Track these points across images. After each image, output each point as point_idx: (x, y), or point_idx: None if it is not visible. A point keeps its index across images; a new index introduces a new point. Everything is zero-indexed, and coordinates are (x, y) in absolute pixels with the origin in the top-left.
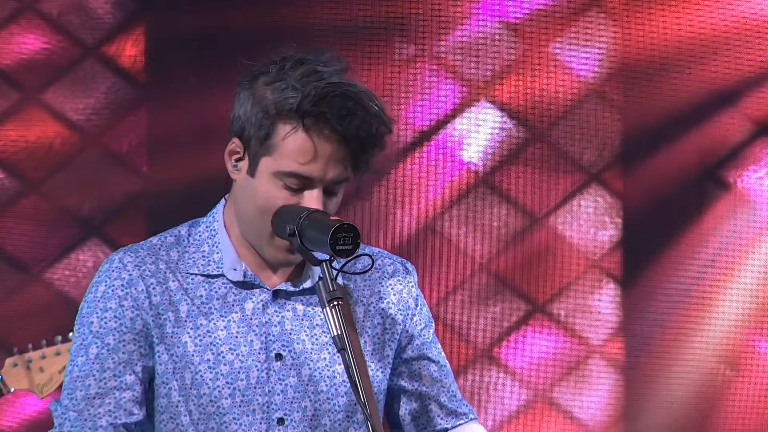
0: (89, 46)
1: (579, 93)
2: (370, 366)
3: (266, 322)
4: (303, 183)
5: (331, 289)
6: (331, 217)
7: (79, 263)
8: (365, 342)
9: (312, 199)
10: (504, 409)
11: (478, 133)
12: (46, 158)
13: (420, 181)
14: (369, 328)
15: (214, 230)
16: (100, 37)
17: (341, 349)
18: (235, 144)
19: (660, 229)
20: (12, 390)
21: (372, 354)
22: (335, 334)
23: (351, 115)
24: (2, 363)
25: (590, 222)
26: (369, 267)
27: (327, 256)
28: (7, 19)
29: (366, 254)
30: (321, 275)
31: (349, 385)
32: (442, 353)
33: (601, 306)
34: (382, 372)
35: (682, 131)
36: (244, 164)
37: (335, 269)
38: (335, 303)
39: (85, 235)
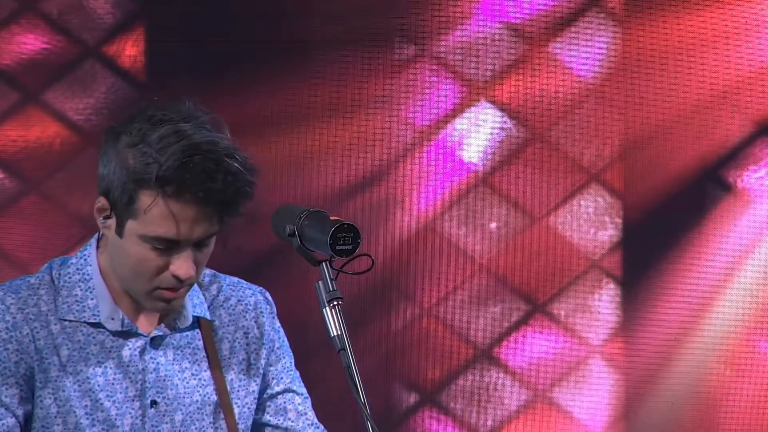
0: (89, 46)
1: (579, 93)
2: (236, 402)
3: (143, 369)
4: (170, 244)
5: (331, 289)
6: (331, 217)
7: None
8: (232, 379)
9: (181, 261)
10: (504, 409)
11: (478, 133)
12: (46, 158)
13: (420, 181)
14: (235, 364)
15: (88, 274)
16: (100, 37)
17: (341, 349)
18: (102, 203)
19: (660, 229)
20: None
21: (238, 390)
22: (335, 334)
23: (211, 179)
24: None
25: (590, 222)
26: (369, 267)
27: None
28: (7, 19)
29: (366, 254)
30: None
31: (215, 425)
32: (302, 382)
33: (601, 306)
34: (248, 408)
35: (682, 131)
36: (112, 223)
37: (335, 269)
38: (335, 303)
39: (85, 235)
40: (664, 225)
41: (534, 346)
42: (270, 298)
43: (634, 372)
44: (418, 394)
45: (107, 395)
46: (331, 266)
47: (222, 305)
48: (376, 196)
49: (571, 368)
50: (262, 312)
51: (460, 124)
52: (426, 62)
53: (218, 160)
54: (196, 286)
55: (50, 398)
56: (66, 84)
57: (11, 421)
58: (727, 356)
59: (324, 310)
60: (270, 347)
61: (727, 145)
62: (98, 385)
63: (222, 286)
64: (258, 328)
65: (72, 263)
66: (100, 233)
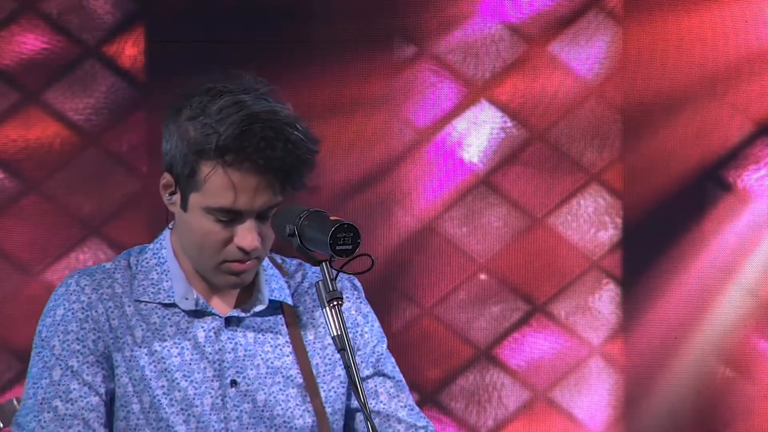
0: (89, 46)
1: (579, 93)
2: (322, 386)
3: (220, 349)
4: (233, 215)
5: (331, 289)
6: (331, 217)
7: (79, 263)
8: (317, 364)
9: (245, 231)
10: (504, 409)
11: (478, 133)
12: (46, 158)
13: (420, 181)
14: (320, 349)
15: (163, 258)
16: (100, 37)
17: (341, 349)
18: (167, 179)
19: (660, 229)
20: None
21: (324, 374)
22: (335, 334)
23: (270, 147)
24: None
25: (590, 222)
26: (369, 267)
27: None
28: (7, 19)
29: (366, 254)
30: (321, 276)
31: (303, 408)
32: (397, 367)
33: (601, 306)
34: (335, 392)
35: (682, 131)
36: (177, 198)
37: (335, 270)
38: (335, 303)
39: (85, 235)
40: (664, 225)
41: (534, 346)
42: (358, 283)
43: (634, 372)
44: (418, 394)
45: (184, 375)
46: (331, 266)
47: (306, 291)
48: (376, 196)
49: (571, 368)
50: (348, 297)
51: (460, 124)
52: (426, 62)
53: (278, 129)
54: (278, 273)
55: (126, 377)
56: (66, 84)
57: (95, 399)
58: (727, 356)
59: (324, 310)
60: (356, 331)
61: (727, 145)
62: (174, 366)
63: (307, 273)
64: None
65: (149, 249)
66: (172, 222)
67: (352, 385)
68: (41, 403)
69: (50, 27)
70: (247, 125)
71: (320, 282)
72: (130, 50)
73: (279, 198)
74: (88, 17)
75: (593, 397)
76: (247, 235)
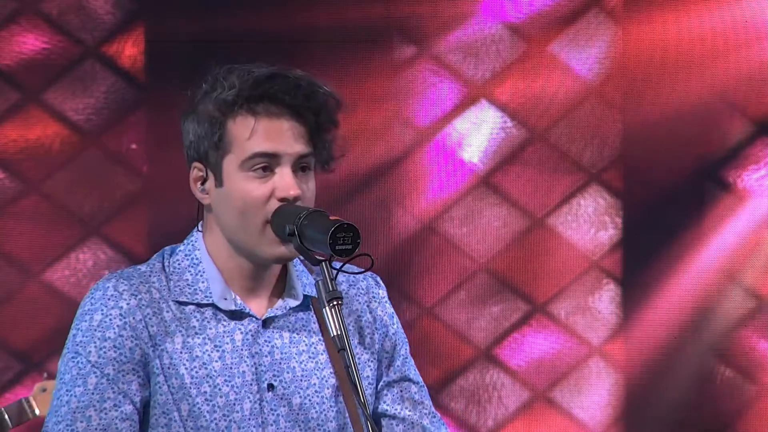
0: (89, 46)
1: (579, 93)
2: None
3: (257, 352)
4: (269, 162)
5: (331, 288)
6: (331, 217)
7: (79, 263)
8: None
9: (282, 179)
10: (504, 409)
11: (478, 133)
12: (46, 158)
13: (420, 181)
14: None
15: (197, 258)
16: (100, 37)
17: (341, 349)
18: (196, 168)
19: (660, 229)
20: (38, 415)
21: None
22: (335, 333)
23: (295, 88)
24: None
25: (590, 222)
26: (369, 267)
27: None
28: (7, 19)
29: (366, 254)
30: (320, 276)
31: (336, 409)
32: (417, 371)
33: (601, 306)
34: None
35: (682, 131)
36: (210, 183)
37: (335, 269)
38: (335, 303)
39: (85, 235)
40: (664, 225)
41: (534, 346)
42: (381, 282)
43: (634, 372)
44: None
45: (225, 380)
46: (331, 266)
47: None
48: (376, 196)
49: (571, 368)
50: (374, 296)
51: (460, 124)
52: (426, 62)
53: (298, 77)
54: (305, 269)
55: (165, 385)
56: (66, 84)
57: (129, 408)
58: (727, 356)
59: (324, 310)
60: (384, 332)
61: (727, 145)
62: (215, 371)
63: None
64: (370, 312)
65: (180, 250)
66: (202, 219)
67: (352, 385)
68: (74, 412)
69: (50, 27)
70: (268, 75)
71: (320, 281)
72: (130, 50)
73: (309, 149)
74: (88, 17)
75: (593, 397)
76: (286, 181)
